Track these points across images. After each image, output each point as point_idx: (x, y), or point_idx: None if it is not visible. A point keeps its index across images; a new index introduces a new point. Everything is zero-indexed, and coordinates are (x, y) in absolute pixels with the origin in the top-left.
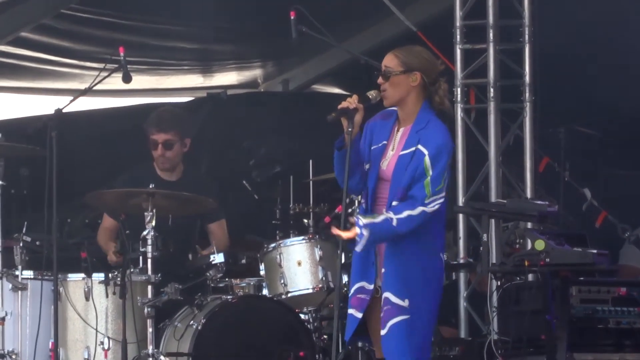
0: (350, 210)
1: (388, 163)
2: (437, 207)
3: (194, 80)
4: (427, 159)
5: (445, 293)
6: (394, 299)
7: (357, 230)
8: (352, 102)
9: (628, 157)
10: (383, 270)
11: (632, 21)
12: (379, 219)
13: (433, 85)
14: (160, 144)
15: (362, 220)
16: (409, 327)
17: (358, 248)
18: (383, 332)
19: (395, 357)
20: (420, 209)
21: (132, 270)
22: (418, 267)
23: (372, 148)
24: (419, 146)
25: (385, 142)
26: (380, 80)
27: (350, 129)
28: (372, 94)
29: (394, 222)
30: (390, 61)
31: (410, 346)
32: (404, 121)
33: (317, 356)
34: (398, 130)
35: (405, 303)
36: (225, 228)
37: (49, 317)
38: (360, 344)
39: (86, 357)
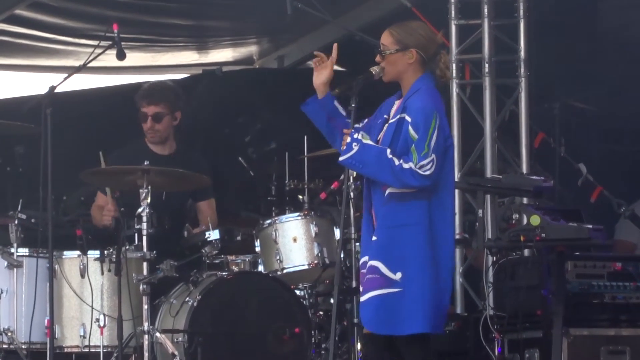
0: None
1: (382, 134)
2: (428, 172)
3: (189, 57)
4: (410, 127)
5: None
6: (384, 269)
7: (348, 139)
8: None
9: (623, 132)
10: (374, 238)
11: None
12: (375, 145)
13: (433, 60)
14: (149, 116)
15: (358, 135)
16: (397, 301)
17: (341, 159)
18: (363, 298)
19: (373, 327)
20: (411, 167)
21: (127, 247)
22: (413, 240)
23: (377, 122)
24: (404, 114)
25: (386, 116)
26: (377, 58)
27: (353, 105)
28: (375, 69)
29: (388, 154)
30: (385, 39)
31: (394, 319)
32: (404, 95)
33: (312, 332)
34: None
35: (396, 276)
36: (214, 208)
37: (45, 294)
38: (355, 320)
39: (82, 334)
